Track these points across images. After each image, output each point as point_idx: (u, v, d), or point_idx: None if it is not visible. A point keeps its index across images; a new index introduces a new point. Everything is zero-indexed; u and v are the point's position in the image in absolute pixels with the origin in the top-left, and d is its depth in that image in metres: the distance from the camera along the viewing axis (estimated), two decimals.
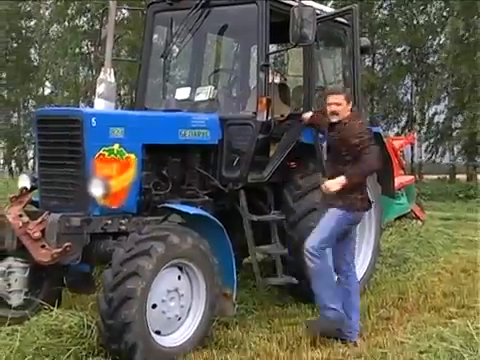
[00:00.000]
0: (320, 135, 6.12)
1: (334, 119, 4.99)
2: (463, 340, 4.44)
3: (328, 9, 6.98)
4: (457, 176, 23.11)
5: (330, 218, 4.92)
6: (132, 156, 5.04)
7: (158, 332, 4.52)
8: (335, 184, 4.82)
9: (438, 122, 23.70)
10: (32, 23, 27.59)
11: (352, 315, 4.99)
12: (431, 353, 4.34)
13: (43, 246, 4.63)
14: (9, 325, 4.63)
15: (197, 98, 6.13)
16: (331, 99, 5.00)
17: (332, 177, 4.91)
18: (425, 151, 23.66)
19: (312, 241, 4.91)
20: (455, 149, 23.22)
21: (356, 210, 4.98)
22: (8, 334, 4.44)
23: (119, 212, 4.92)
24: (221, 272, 4.85)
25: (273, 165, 5.92)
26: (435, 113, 23.84)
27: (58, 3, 24.83)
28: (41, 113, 5.57)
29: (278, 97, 6.37)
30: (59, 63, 24.26)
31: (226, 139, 5.74)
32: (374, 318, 5.36)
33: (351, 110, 5.08)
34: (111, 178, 4.87)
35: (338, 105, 4.96)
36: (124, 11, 19.86)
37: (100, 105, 5.46)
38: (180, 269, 4.67)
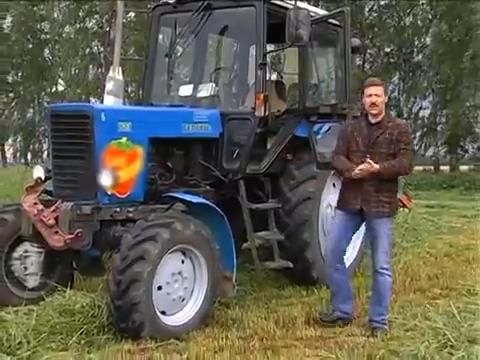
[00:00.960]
0: (314, 128, 6.12)
1: (374, 111, 4.60)
2: (446, 319, 4.45)
3: (321, 11, 6.95)
4: (441, 167, 23.11)
5: (385, 230, 4.65)
6: (139, 148, 5.03)
7: (163, 312, 4.53)
8: (372, 168, 4.44)
9: (423, 117, 23.69)
10: (46, 25, 27.45)
11: (347, 298, 4.94)
12: (416, 331, 4.35)
13: (56, 232, 4.65)
14: (26, 305, 4.66)
15: (199, 94, 6.11)
16: (372, 90, 4.61)
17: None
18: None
19: (383, 260, 4.66)
20: (439, 142, 23.22)
21: (395, 212, 4.89)
22: (25, 313, 4.46)
23: (127, 201, 4.92)
24: (222, 256, 4.85)
25: (270, 157, 5.92)
26: (420, 108, 23.82)
27: (70, 6, 24.74)
28: (54, 109, 5.55)
29: (275, 93, 6.34)
30: (71, 62, 24.14)
31: (226, 133, 5.72)
32: (364, 299, 5.35)
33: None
34: (119, 169, 4.86)
35: (378, 96, 4.59)
36: (131, 13, 19.77)
37: (109, 101, 5.44)
38: (184, 254, 4.67)
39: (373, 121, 4.65)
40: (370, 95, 4.60)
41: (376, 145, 4.58)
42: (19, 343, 4.04)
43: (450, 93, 21.01)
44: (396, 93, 24.11)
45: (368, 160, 4.49)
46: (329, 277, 5.02)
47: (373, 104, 4.59)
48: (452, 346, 3.79)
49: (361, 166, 4.50)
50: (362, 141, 4.64)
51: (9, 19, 27.09)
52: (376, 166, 4.46)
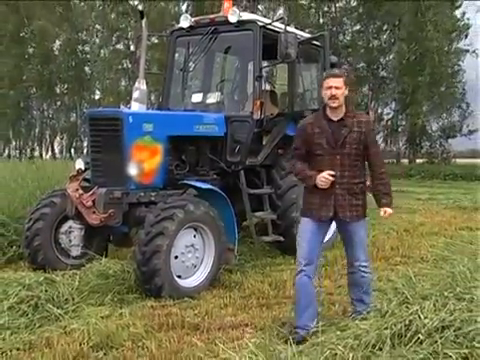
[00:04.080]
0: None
1: (334, 104, 3.36)
2: (404, 281, 4.37)
3: (306, 34, 6.87)
4: (401, 160, 23.11)
5: (363, 229, 3.59)
6: (159, 145, 4.99)
7: (179, 276, 4.51)
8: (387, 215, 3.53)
9: (387, 120, 23.68)
10: (86, 47, 27.37)
11: (314, 315, 3.61)
12: (381, 291, 4.33)
13: (94, 212, 4.64)
14: (70, 270, 4.63)
15: (208, 101, 6.07)
16: (332, 82, 3.36)
17: (349, 175, 3.41)
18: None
19: (363, 258, 3.60)
20: (400, 140, 23.25)
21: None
22: (70, 276, 4.42)
23: (150, 187, 4.89)
24: (226, 232, 4.82)
25: (265, 152, 5.89)
26: (382, 113, 23.84)
27: (105, 32, 24.72)
28: (92, 113, 5.50)
29: (269, 100, 6.31)
30: (106, 76, 24.16)
31: (229, 132, 5.69)
32: (340, 266, 5.33)
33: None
34: (144, 161, 4.83)
35: (338, 89, 3.35)
36: (153, 37, 19.67)
37: (135, 107, 5.37)
38: (195, 230, 4.65)
39: (334, 118, 3.41)
40: (330, 87, 3.36)
41: (344, 146, 3.37)
42: (66, 299, 4.03)
43: (409, 100, 21.03)
44: (366, 100, 24.12)
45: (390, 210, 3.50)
46: (297, 286, 3.54)
47: (333, 96, 3.35)
48: (409, 302, 3.76)
49: (324, 174, 3.32)
50: (327, 142, 3.38)
51: (58, 43, 27.05)
52: (389, 210, 3.51)
